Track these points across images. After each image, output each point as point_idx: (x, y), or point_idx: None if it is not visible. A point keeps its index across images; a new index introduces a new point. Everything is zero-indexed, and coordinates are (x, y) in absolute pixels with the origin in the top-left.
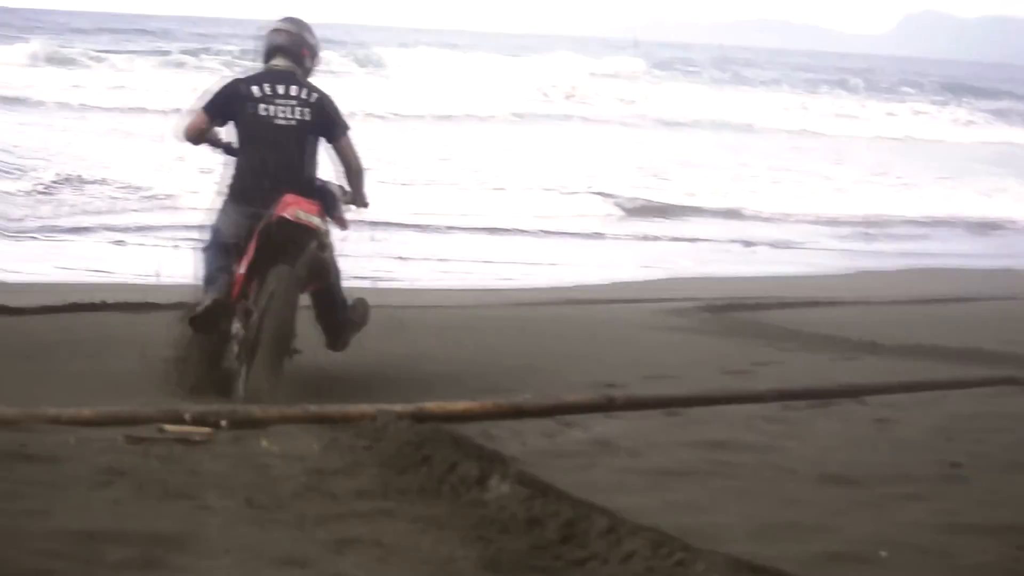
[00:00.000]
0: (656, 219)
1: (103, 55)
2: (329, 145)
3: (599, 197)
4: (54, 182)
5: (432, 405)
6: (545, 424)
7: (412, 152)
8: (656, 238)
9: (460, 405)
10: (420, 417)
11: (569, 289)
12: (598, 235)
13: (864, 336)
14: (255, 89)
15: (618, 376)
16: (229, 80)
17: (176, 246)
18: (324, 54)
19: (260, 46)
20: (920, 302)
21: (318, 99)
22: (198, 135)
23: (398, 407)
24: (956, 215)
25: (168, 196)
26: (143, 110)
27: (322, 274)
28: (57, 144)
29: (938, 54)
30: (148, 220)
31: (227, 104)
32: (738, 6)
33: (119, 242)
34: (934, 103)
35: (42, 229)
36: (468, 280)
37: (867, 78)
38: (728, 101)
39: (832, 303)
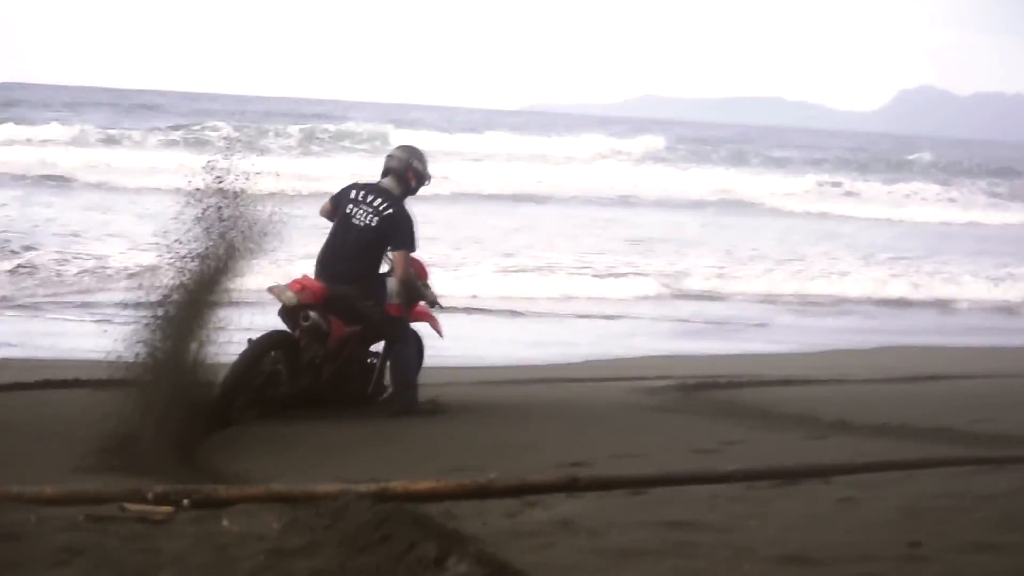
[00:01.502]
0: (633, 298)
1: (91, 131)
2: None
3: (582, 276)
4: (32, 259)
5: (396, 485)
6: (508, 504)
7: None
8: (633, 317)
9: (424, 485)
10: (384, 497)
11: (542, 368)
12: (580, 315)
13: (835, 415)
14: (353, 193)
15: (586, 455)
16: (348, 184)
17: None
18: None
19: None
20: (892, 380)
21: (390, 214)
22: (328, 216)
23: (362, 487)
24: (932, 295)
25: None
26: (127, 188)
27: (317, 336)
28: (38, 220)
29: (933, 130)
30: (124, 297)
31: (337, 200)
32: (731, 82)
33: (92, 319)
34: (926, 182)
35: (17, 306)
36: (439, 359)
37: (863, 157)
38: (723, 179)
39: (806, 382)
